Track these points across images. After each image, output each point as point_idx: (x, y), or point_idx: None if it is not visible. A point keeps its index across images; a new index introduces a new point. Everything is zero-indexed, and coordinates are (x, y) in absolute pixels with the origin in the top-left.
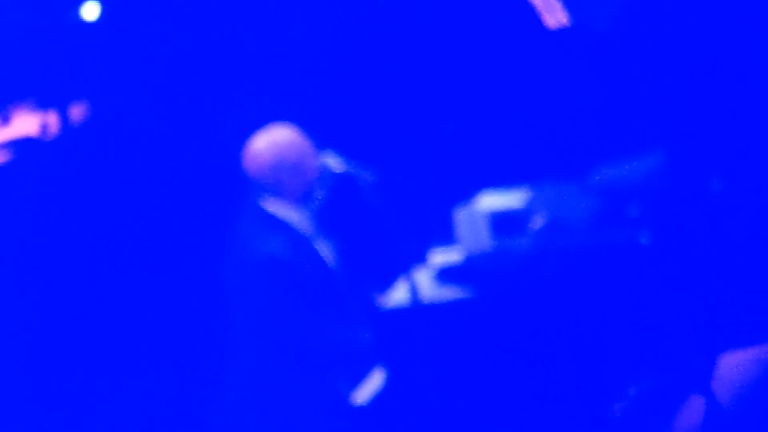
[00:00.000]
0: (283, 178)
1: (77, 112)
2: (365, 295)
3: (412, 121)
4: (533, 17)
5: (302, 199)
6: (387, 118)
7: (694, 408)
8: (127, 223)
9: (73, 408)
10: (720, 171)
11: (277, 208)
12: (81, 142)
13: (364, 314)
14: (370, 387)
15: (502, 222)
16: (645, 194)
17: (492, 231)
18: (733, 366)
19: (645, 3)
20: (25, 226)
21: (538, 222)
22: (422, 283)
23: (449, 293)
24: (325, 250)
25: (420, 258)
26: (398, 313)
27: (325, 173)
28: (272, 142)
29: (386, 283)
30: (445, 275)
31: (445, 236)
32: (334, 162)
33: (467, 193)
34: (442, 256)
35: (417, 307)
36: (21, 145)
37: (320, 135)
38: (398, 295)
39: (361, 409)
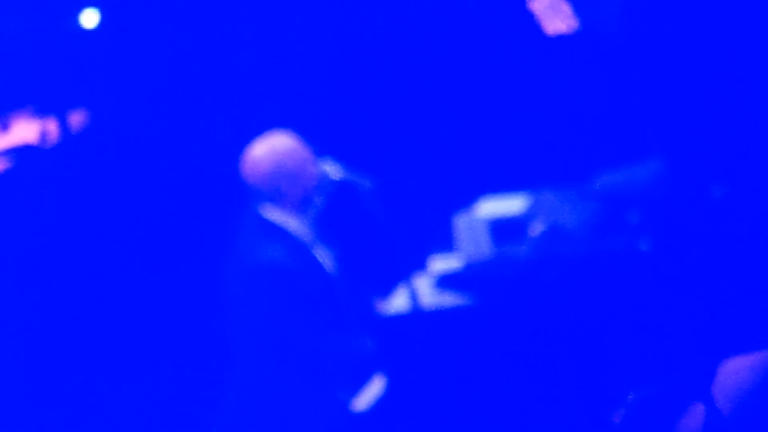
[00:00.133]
0: (282, 185)
1: (76, 119)
2: (365, 302)
3: (412, 128)
4: (533, 24)
5: (301, 206)
6: (386, 125)
7: (696, 415)
8: (126, 230)
9: (71, 416)
10: (720, 177)
11: (276, 215)
12: (80, 150)
13: (364, 321)
14: (370, 393)
15: (501, 228)
16: (645, 201)
17: (492, 237)
18: (733, 372)
19: (647, 8)
20: (24, 233)
21: (537, 228)
22: (422, 290)
23: (449, 300)
24: (324, 257)
25: (420, 265)
26: (398, 319)
27: (325, 180)
28: (271, 149)
29: (386, 289)
30: (445, 282)
31: (445, 243)
32: (333, 169)
33: (467, 199)
34: (441, 263)
35: (417, 314)
36: (20, 153)
37: (319, 142)
38: (398, 301)
39: (362, 416)
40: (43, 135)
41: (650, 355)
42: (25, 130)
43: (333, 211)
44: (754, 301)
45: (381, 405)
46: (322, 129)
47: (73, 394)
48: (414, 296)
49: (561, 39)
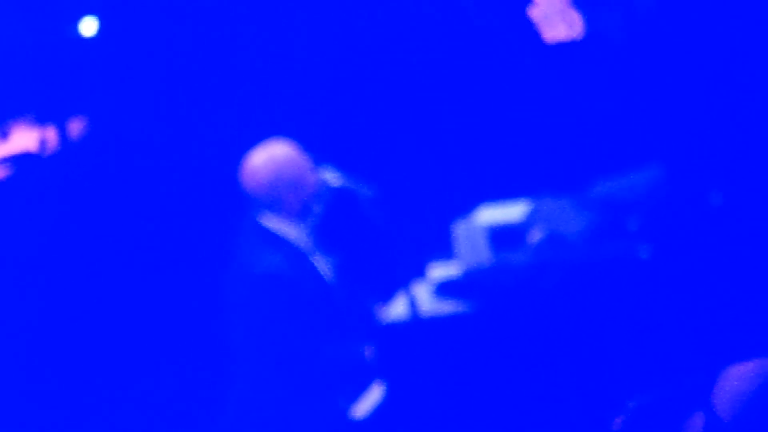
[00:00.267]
0: (281, 194)
1: (76, 127)
2: (364, 310)
3: (411, 135)
4: (532, 31)
5: (300, 214)
6: (386, 133)
7: (697, 423)
8: (125, 238)
9: (72, 418)
10: (719, 184)
11: (275, 223)
12: (79, 157)
13: (364, 329)
14: (369, 401)
15: (501, 236)
16: (644, 207)
17: (491, 245)
18: (734, 379)
19: (646, 17)
20: (24, 240)
21: (536, 236)
22: (421, 297)
23: (448, 307)
24: (323, 265)
25: (419, 272)
26: (397, 326)
27: (324, 188)
28: (270, 157)
29: (385, 297)
30: (444, 289)
31: (444, 250)
32: (332, 177)
33: (466, 206)
34: (441, 270)
35: (416, 321)
36: (20, 160)
37: (318, 150)
38: (397, 309)
39: (361, 423)
40: (43, 143)
41: (650, 362)
42: (24, 138)
43: (332, 218)
44: (754, 307)
45: (380, 412)
46: (321, 137)
47: (73, 399)
48: (413, 303)
49: (560, 46)
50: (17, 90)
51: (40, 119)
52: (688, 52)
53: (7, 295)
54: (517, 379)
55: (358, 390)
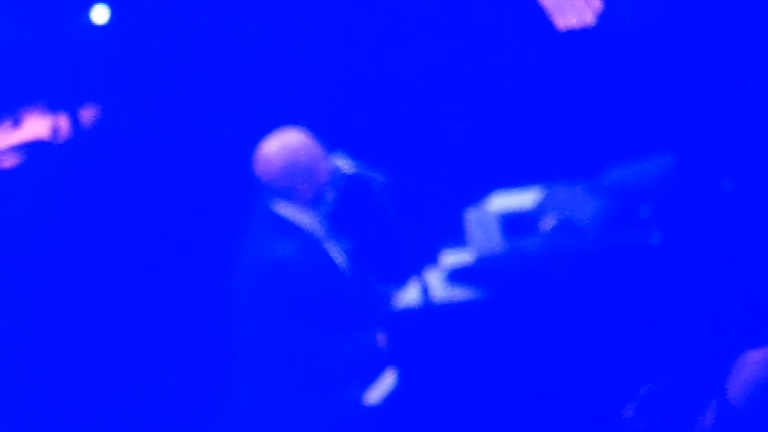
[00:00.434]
0: (294, 182)
1: (87, 114)
2: (377, 297)
3: (423, 123)
4: (544, 18)
5: (313, 201)
6: (397, 120)
7: (710, 409)
8: (137, 226)
9: (77, 412)
10: (731, 171)
11: (288, 211)
12: (91, 145)
13: (376, 316)
14: (381, 388)
15: (513, 223)
16: (656, 195)
17: (503, 232)
18: (747, 366)
19: (658, 4)
20: (36, 228)
21: (549, 223)
22: (433, 284)
23: (460, 294)
24: (336, 252)
25: (431, 259)
26: (409, 314)
27: (336, 175)
28: (283, 145)
29: (398, 284)
30: (457, 276)
31: (457, 237)
32: (344, 164)
33: (478, 194)
34: (453, 257)
35: (428, 308)
36: (32, 148)
37: (331, 137)
38: (410, 296)
39: (373, 410)
40: (55, 130)
41: (662, 350)
42: (36, 126)
43: (345, 206)
44: (766, 295)
45: (392, 399)
46: (333, 125)
47: (81, 388)
48: (425, 290)
49: (572, 33)
50: (29, 78)
51: (52, 107)
52: (701, 39)
53: (20, 283)
54: (529, 366)
55: (371, 377)
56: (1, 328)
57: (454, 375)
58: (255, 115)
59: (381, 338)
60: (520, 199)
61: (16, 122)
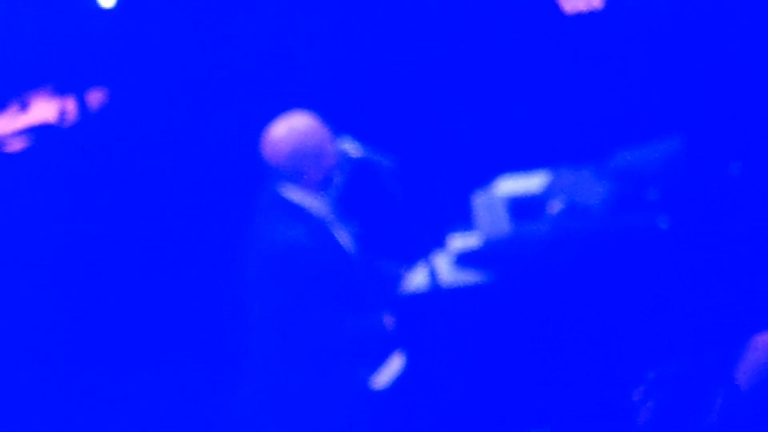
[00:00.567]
0: (302, 165)
1: (95, 98)
2: (384, 280)
3: (431, 106)
4: (551, 3)
5: (321, 185)
6: (405, 103)
7: (719, 393)
8: (145, 209)
9: (83, 405)
10: (738, 154)
11: (296, 195)
12: (99, 128)
13: (384, 299)
14: (389, 371)
15: (520, 207)
16: (663, 178)
17: (510, 215)
18: (755, 350)
19: None
20: (43, 212)
21: (556, 206)
22: (441, 268)
23: (468, 278)
24: (344, 236)
25: (439, 243)
26: (417, 297)
27: (344, 159)
28: (291, 129)
29: (405, 267)
30: (464, 260)
31: (464, 221)
32: (352, 148)
33: (485, 178)
34: (460, 241)
35: (436, 292)
36: (39, 132)
37: (338, 121)
38: (417, 279)
39: (381, 393)
40: (62, 114)
41: (670, 334)
42: (43, 109)
43: (352, 189)
44: None
45: (400, 382)
46: (340, 108)
47: (91, 371)
48: (433, 274)
49: (580, 17)
50: (37, 61)
51: (60, 90)
52: (709, 23)
53: (26, 267)
54: (536, 349)
55: (379, 360)
56: (12, 311)
57: (461, 358)
58: (263, 99)
59: (389, 321)
60: (527, 183)
61: (24, 106)
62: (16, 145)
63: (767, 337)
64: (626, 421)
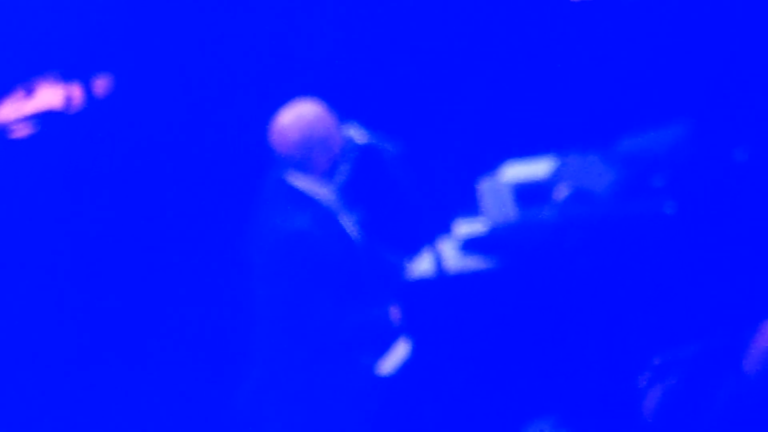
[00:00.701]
0: (309, 153)
1: (101, 84)
2: (390, 267)
3: (436, 92)
4: None
5: (328, 173)
6: (411, 89)
7: (725, 379)
8: (150, 196)
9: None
10: (745, 140)
11: (303, 182)
12: (105, 115)
13: (389, 286)
14: (395, 358)
15: (526, 192)
16: (670, 164)
17: (516, 201)
18: (763, 336)
19: None
20: (49, 199)
21: (562, 192)
22: (447, 254)
23: (474, 264)
24: (350, 223)
25: (445, 229)
26: (423, 283)
27: (350, 146)
28: (298, 116)
29: (411, 254)
30: (470, 246)
31: (470, 207)
32: (358, 134)
33: (491, 163)
34: (466, 227)
35: (441, 278)
36: (45, 118)
37: (344, 108)
38: (423, 266)
39: (387, 380)
40: (68, 100)
41: (677, 320)
42: (49, 95)
43: (358, 176)
44: None
45: (406, 369)
46: (346, 95)
47: (98, 363)
48: (439, 260)
49: (587, 3)
50: (42, 47)
51: (65, 76)
52: (716, 9)
53: (32, 253)
54: (542, 335)
55: (384, 347)
56: (20, 297)
57: (467, 345)
58: (270, 86)
59: (394, 308)
60: (534, 169)
61: (29, 92)
62: (22, 132)
63: None
64: (633, 408)
